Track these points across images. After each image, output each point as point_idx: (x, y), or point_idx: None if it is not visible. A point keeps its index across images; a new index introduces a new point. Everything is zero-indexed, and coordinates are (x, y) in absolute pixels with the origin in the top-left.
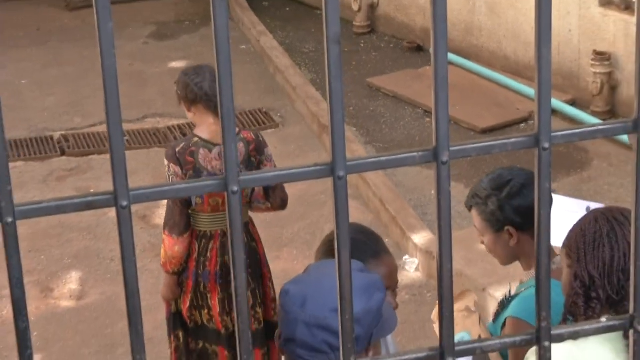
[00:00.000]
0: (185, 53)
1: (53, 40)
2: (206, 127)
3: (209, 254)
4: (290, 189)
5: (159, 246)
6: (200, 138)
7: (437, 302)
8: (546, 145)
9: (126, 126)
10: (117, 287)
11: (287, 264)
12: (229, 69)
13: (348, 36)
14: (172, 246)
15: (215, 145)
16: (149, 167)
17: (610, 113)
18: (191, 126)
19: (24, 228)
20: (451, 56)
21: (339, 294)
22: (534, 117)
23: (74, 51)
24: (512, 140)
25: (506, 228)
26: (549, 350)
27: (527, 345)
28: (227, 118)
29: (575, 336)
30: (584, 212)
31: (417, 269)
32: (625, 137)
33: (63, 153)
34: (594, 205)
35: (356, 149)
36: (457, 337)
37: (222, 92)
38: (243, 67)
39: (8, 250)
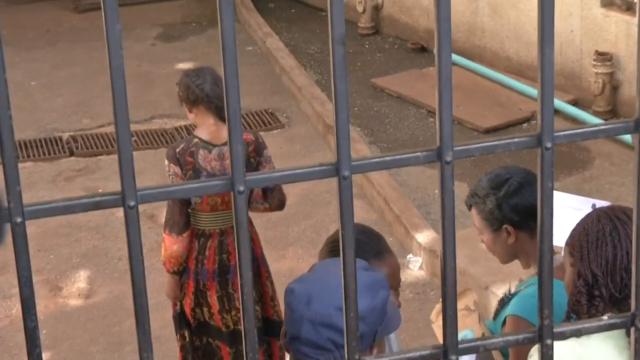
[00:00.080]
0: (192, 54)
1: (62, 42)
2: (206, 128)
3: (207, 252)
4: (296, 188)
5: None
6: (200, 139)
7: (437, 302)
8: (549, 144)
9: (134, 127)
10: (124, 286)
11: (292, 262)
12: (235, 70)
13: (353, 37)
14: (171, 245)
15: (214, 146)
16: (157, 168)
17: (612, 113)
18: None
19: (33, 227)
20: (455, 57)
21: (343, 292)
22: (537, 117)
23: (83, 52)
24: (515, 140)
25: (504, 226)
26: (551, 347)
27: (529, 343)
28: (233, 119)
29: (577, 334)
30: (589, 210)
31: (420, 268)
32: (627, 137)
33: (72, 153)
34: (600, 203)
35: (360, 148)
36: (460, 335)
37: (228, 93)
38: (249, 68)
39: (17, 249)
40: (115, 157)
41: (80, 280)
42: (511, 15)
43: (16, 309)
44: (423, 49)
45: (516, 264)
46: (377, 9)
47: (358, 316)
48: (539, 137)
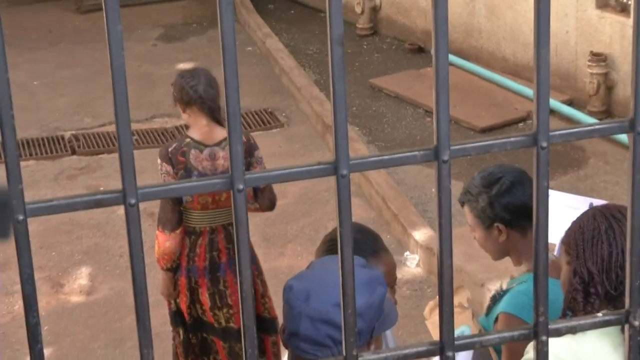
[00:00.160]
0: (193, 55)
1: (64, 43)
2: (198, 128)
3: (197, 250)
4: (295, 186)
5: None
6: (192, 139)
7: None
8: (544, 144)
9: (135, 126)
10: (125, 283)
11: (291, 260)
12: (235, 70)
13: (351, 38)
14: (164, 242)
15: (206, 146)
16: (157, 166)
17: (607, 113)
18: None
19: (35, 225)
20: (452, 57)
21: (341, 289)
22: (532, 117)
23: (85, 53)
24: (511, 139)
25: (495, 224)
26: (546, 344)
27: (525, 339)
28: (232, 119)
29: (572, 331)
30: (586, 209)
31: (417, 265)
32: (621, 137)
33: (74, 152)
34: (597, 202)
35: (359, 147)
36: (458, 331)
37: (228, 93)
38: (249, 69)
39: (19, 247)
40: (116, 155)
41: (82, 277)
42: (507, 16)
43: (18, 305)
44: (420, 50)
45: (511, 261)
46: (375, 10)
47: (356, 313)
48: (534, 137)
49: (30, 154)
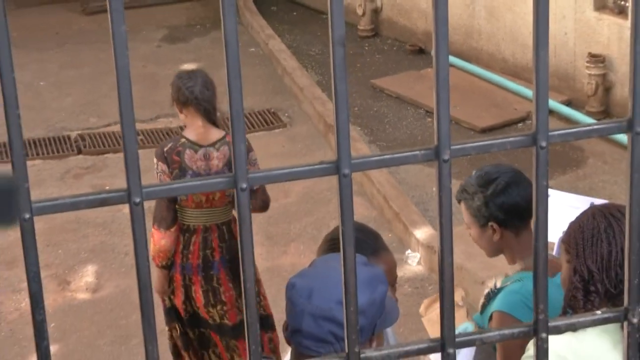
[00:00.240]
0: (197, 55)
1: (70, 43)
2: (194, 129)
3: (191, 247)
4: (297, 186)
5: None
6: (187, 139)
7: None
8: (543, 144)
9: (139, 126)
10: (131, 280)
11: (294, 258)
12: (238, 71)
13: (353, 39)
14: (159, 239)
15: (201, 146)
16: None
17: (605, 113)
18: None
19: (41, 223)
20: (452, 58)
21: (343, 287)
22: (532, 117)
23: (91, 54)
24: (511, 139)
25: (490, 224)
26: (546, 341)
27: (525, 337)
28: (236, 119)
29: (571, 328)
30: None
31: (419, 263)
32: (619, 137)
33: (80, 152)
34: (598, 202)
35: (360, 147)
36: (461, 328)
37: (231, 94)
38: (252, 69)
39: (25, 245)
40: (121, 155)
41: (88, 274)
42: (507, 18)
43: (25, 302)
44: (421, 51)
45: (506, 259)
46: (376, 12)
47: (358, 310)
48: (534, 137)
49: (37, 154)
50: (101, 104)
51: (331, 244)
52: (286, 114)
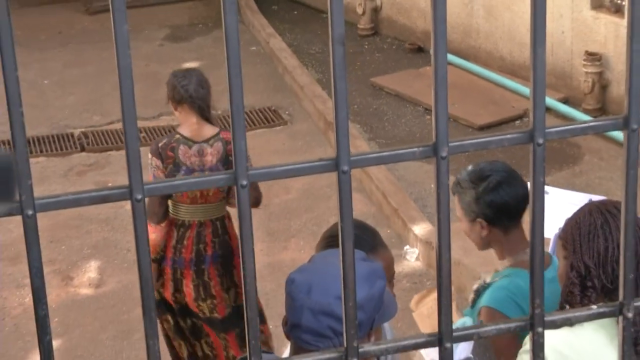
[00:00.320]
0: (199, 54)
1: (74, 43)
2: (189, 126)
3: (185, 242)
4: (298, 182)
5: None
6: (181, 135)
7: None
8: (540, 141)
9: (142, 124)
10: (133, 276)
11: (294, 253)
12: (239, 69)
13: (353, 38)
14: (150, 233)
15: (195, 143)
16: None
17: (601, 110)
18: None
19: (45, 220)
20: (450, 57)
21: (342, 282)
22: (529, 115)
23: (94, 52)
24: (508, 136)
25: (478, 219)
26: (542, 335)
27: (521, 331)
28: (236, 116)
29: (567, 322)
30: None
31: (417, 259)
32: (615, 134)
33: (83, 149)
34: (597, 199)
35: (360, 144)
36: (459, 322)
37: (232, 91)
38: (253, 68)
39: (28, 241)
40: (124, 152)
41: (91, 270)
42: (505, 17)
43: (29, 298)
44: (420, 50)
45: (496, 254)
46: (376, 10)
47: (356, 305)
48: (531, 134)
49: (41, 151)
50: (104, 102)
51: (329, 241)
52: (287, 112)
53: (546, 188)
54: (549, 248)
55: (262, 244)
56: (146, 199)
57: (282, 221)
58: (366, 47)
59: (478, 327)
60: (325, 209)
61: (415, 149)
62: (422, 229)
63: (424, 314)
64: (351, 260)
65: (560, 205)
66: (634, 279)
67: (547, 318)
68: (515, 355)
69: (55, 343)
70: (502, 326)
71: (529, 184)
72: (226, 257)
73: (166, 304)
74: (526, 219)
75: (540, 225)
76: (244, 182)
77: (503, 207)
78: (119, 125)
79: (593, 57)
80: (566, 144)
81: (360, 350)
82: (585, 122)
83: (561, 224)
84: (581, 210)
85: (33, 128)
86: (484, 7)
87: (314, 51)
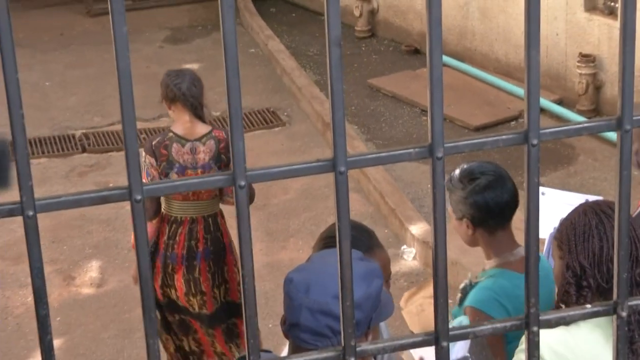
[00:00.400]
0: (198, 56)
1: (75, 44)
2: (182, 124)
3: (177, 238)
4: (297, 183)
5: None
6: (175, 134)
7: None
8: (535, 141)
9: (142, 125)
10: None
11: (293, 253)
12: (237, 70)
13: (350, 40)
14: None
15: (187, 141)
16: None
17: (595, 111)
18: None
19: (47, 220)
20: (446, 59)
21: (340, 282)
22: (524, 116)
23: (95, 54)
24: (503, 137)
25: (464, 219)
26: (537, 334)
27: (516, 329)
28: (234, 117)
29: (562, 321)
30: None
31: (414, 258)
32: (609, 134)
33: (84, 150)
34: (593, 199)
35: (357, 145)
36: (456, 321)
37: (229, 93)
38: (252, 69)
39: (29, 241)
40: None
41: (92, 270)
42: (500, 19)
43: (32, 297)
44: (416, 51)
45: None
46: (373, 13)
47: (354, 304)
48: (525, 134)
49: (43, 152)
50: (105, 103)
51: (326, 242)
52: (285, 113)
53: (543, 189)
54: (544, 248)
55: (261, 243)
56: None
57: (281, 221)
58: (363, 49)
59: (474, 326)
60: (324, 209)
61: (411, 150)
62: (419, 228)
63: (412, 312)
64: (348, 259)
65: (556, 206)
66: (627, 278)
67: (542, 317)
68: (504, 351)
69: (58, 342)
70: (498, 325)
71: (525, 184)
72: (218, 253)
73: (155, 297)
74: (521, 218)
75: (535, 226)
76: (242, 183)
77: (487, 210)
78: (119, 127)
79: (587, 58)
80: (561, 144)
81: (358, 349)
82: (579, 122)
83: (556, 224)
84: (576, 210)
85: (35, 129)
86: (479, 9)
87: (312, 53)
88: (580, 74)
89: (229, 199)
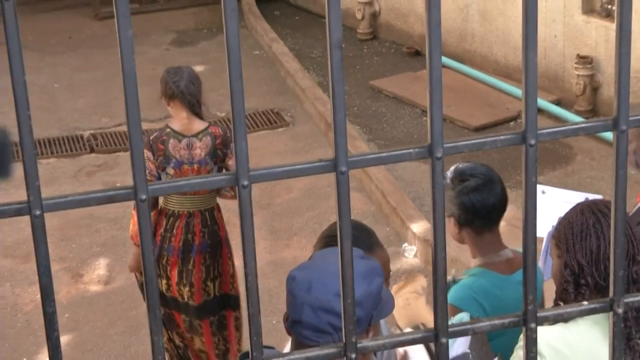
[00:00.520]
0: (204, 58)
1: (83, 47)
2: (179, 120)
3: (174, 231)
4: (300, 182)
5: None
6: (172, 129)
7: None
8: (532, 142)
9: (148, 126)
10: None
11: (296, 251)
12: (240, 72)
13: (352, 42)
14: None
15: (184, 136)
16: None
17: (592, 112)
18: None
19: (55, 219)
20: (446, 60)
21: (341, 279)
22: (522, 116)
23: (103, 57)
24: (502, 137)
25: (451, 217)
26: (535, 331)
27: (515, 326)
28: (237, 118)
29: (559, 318)
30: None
31: (415, 256)
32: (606, 134)
33: (92, 150)
34: (593, 197)
35: (360, 145)
36: (457, 318)
37: (233, 94)
38: (256, 71)
39: (36, 240)
40: None
41: (100, 267)
42: (499, 21)
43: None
44: (417, 53)
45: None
46: (374, 16)
47: (355, 302)
48: (523, 135)
49: (52, 152)
50: (112, 105)
51: (327, 241)
52: (289, 114)
53: (543, 188)
54: (542, 246)
55: (264, 242)
56: None
57: (284, 220)
58: (365, 51)
59: (473, 322)
60: (327, 208)
61: (412, 150)
62: (420, 226)
63: (399, 305)
64: (349, 258)
65: (556, 204)
66: (624, 275)
67: (540, 314)
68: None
69: (66, 338)
70: (497, 322)
71: (523, 184)
72: (215, 246)
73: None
74: (519, 217)
75: (532, 224)
76: (245, 183)
77: (473, 211)
78: (126, 128)
79: (584, 60)
80: (559, 144)
81: (359, 345)
82: (576, 123)
83: (553, 222)
84: (573, 209)
85: (44, 130)
86: (479, 12)
87: (315, 55)
88: (578, 76)
89: (226, 193)
